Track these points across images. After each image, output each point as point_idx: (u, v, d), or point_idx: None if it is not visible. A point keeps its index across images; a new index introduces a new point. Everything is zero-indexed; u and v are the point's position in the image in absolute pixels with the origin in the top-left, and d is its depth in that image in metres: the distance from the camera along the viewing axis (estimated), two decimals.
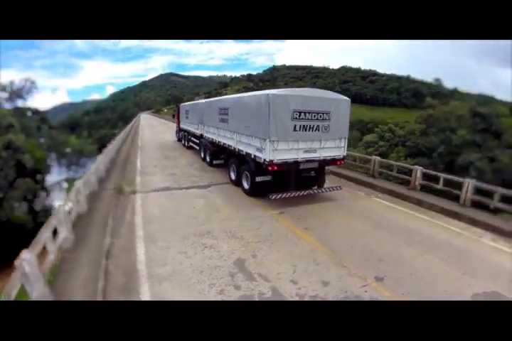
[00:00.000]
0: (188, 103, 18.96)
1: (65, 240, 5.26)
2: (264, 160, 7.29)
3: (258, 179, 8.03)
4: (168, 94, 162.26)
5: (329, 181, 10.14)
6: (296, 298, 4.04)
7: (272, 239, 5.83)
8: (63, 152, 40.72)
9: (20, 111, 35.36)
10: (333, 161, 8.05)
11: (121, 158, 15.32)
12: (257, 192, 8.20)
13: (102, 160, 11.29)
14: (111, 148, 15.40)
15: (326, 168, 9.10)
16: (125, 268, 4.76)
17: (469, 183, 7.62)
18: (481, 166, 20.89)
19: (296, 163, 7.45)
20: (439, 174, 8.33)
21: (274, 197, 7.50)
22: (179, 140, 20.83)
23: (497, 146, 22.42)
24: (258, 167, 7.81)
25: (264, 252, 5.28)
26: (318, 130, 7.53)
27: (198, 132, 14.56)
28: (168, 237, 5.85)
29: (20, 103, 36.27)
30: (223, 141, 10.31)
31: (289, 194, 7.66)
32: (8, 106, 34.66)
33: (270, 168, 7.21)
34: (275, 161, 7.17)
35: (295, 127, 7.22)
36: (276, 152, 7.16)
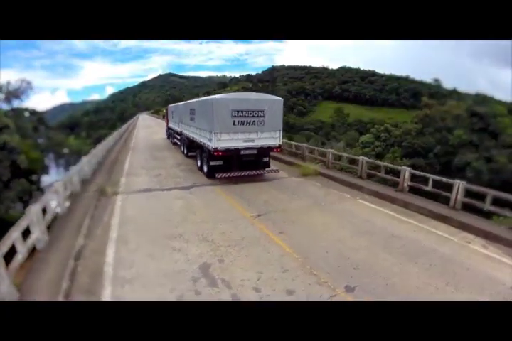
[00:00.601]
0: (173, 104, 20.56)
1: (38, 241, 5.25)
2: (212, 147, 9.28)
3: (212, 163, 9.90)
4: (167, 94, 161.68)
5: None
6: None
7: (243, 243, 5.57)
8: (61, 152, 40.47)
9: (17, 112, 35.14)
10: (269, 149, 9.94)
11: (110, 159, 15.17)
12: (212, 173, 9.86)
13: (86, 160, 11.07)
14: (100, 148, 15.40)
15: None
16: (92, 269, 4.71)
17: (459, 185, 7.20)
18: (478, 166, 20.45)
19: (237, 149, 9.42)
20: (428, 175, 7.90)
21: (219, 176, 9.51)
22: (168, 137, 22.28)
23: (494, 146, 21.97)
24: (211, 154, 9.59)
25: (232, 257, 5.07)
26: (255, 124, 9.44)
27: (178, 129, 16.46)
28: (140, 239, 5.73)
29: (16, 104, 35.94)
30: (193, 135, 12.39)
31: (232, 174, 9.60)
32: (5, 106, 34.39)
33: (216, 154, 9.25)
34: (219, 148, 9.19)
35: (234, 122, 9.21)
36: (219, 141, 9.19)
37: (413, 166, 9.23)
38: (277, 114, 9.78)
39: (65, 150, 41.59)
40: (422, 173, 8.26)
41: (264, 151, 9.92)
